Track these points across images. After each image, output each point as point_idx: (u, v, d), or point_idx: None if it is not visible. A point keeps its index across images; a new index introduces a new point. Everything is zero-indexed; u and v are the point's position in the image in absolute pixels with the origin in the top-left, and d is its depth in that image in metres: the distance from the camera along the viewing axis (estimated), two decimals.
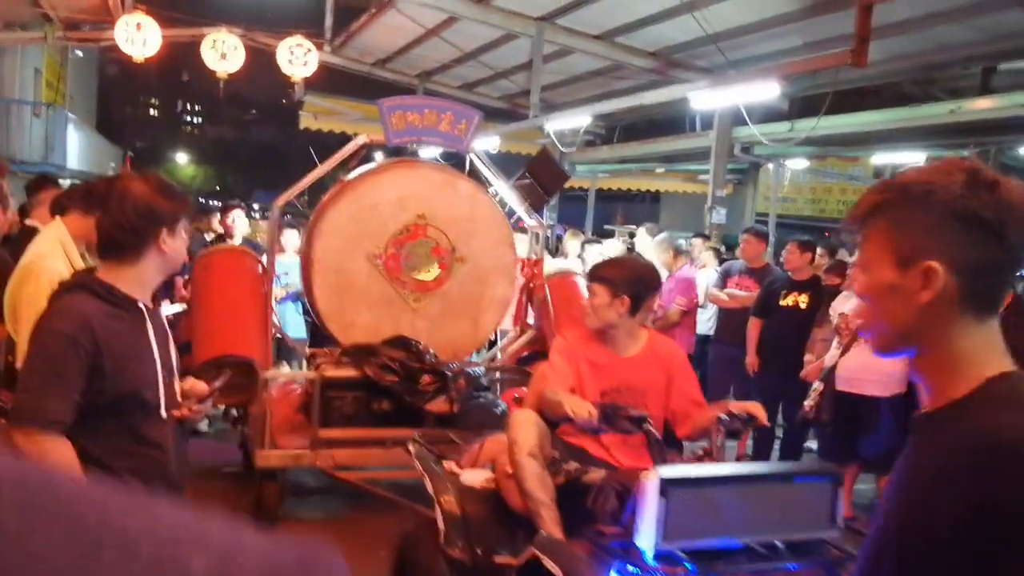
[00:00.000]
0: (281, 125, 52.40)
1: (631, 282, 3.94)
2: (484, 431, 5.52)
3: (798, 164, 15.09)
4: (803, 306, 7.25)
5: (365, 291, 6.30)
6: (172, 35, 12.35)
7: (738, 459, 7.64)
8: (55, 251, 3.82)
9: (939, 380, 1.42)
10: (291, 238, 8.19)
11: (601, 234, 15.98)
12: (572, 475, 3.68)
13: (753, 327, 7.55)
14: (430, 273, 6.40)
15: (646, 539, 2.90)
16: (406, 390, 5.77)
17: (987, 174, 1.37)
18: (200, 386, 3.00)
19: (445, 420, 5.73)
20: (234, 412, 6.78)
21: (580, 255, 9.89)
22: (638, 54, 11.91)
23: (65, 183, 18.99)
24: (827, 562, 3.06)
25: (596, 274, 4.06)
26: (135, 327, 2.69)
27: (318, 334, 7.22)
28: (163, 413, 2.74)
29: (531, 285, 6.86)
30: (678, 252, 8.81)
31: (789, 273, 7.61)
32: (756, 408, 3.71)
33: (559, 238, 10.28)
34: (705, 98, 10.14)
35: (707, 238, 10.75)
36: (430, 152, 8.33)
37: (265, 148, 63.45)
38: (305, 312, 7.87)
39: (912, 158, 13.98)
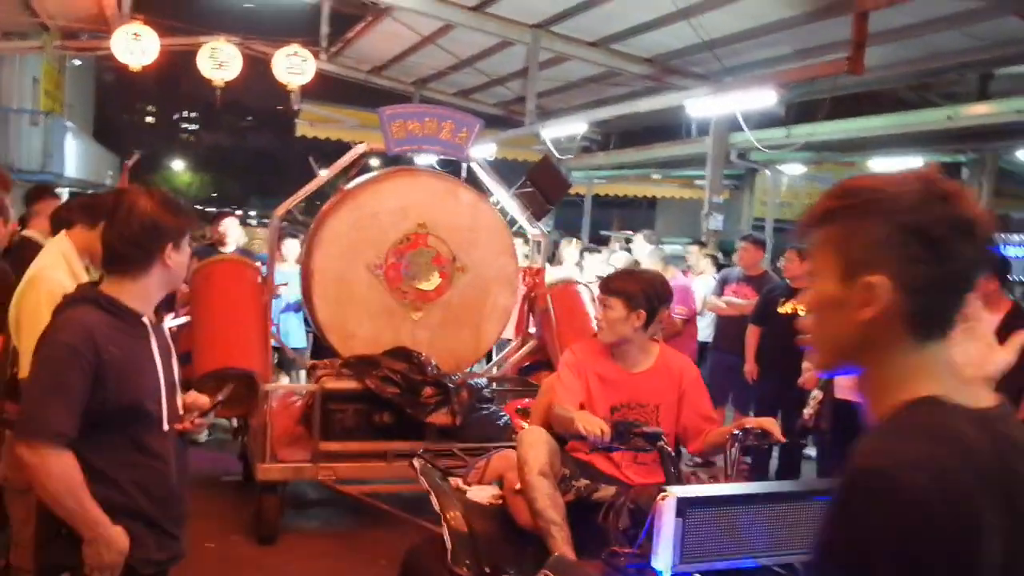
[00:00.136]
0: (278, 132, 52.23)
1: (647, 295, 3.81)
2: (487, 443, 5.45)
3: (795, 170, 14.98)
4: (802, 313, 7.11)
5: (365, 301, 6.16)
6: (169, 44, 12.24)
7: (737, 470, 7.52)
8: (59, 263, 3.78)
9: (874, 402, 1.35)
10: (291, 247, 8.04)
11: (598, 240, 15.86)
12: (582, 492, 3.56)
13: (752, 335, 7.46)
14: (431, 283, 6.26)
15: (663, 561, 2.78)
16: (408, 402, 5.62)
17: (942, 186, 1.28)
18: (202, 399, 2.98)
19: (447, 433, 5.59)
20: (234, 423, 6.63)
21: (578, 263, 9.74)
22: (634, 61, 11.84)
23: (63, 191, 18.94)
24: None
25: (611, 287, 3.91)
26: (138, 340, 2.67)
27: (320, 345, 7.07)
28: (165, 426, 2.72)
29: (532, 294, 6.73)
30: (667, 263, 8.72)
31: (787, 280, 7.50)
32: (771, 424, 3.59)
33: (555, 244, 10.12)
34: (702, 105, 10.05)
35: (703, 245, 10.64)
36: (425, 159, 8.22)
37: (262, 155, 63.26)
38: (306, 322, 7.74)
39: (909, 163, 13.92)
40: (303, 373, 7.71)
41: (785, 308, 7.26)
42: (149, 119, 75.00)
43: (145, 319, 2.71)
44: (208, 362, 5.43)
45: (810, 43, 9.78)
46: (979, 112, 10.00)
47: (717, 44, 10.17)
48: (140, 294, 2.69)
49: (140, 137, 63.72)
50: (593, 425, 3.43)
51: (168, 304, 5.90)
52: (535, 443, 3.57)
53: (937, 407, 1.26)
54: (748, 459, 7.27)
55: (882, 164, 14.81)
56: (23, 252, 4.85)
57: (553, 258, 9.65)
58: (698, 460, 5.25)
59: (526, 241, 8.30)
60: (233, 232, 8.17)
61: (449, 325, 6.31)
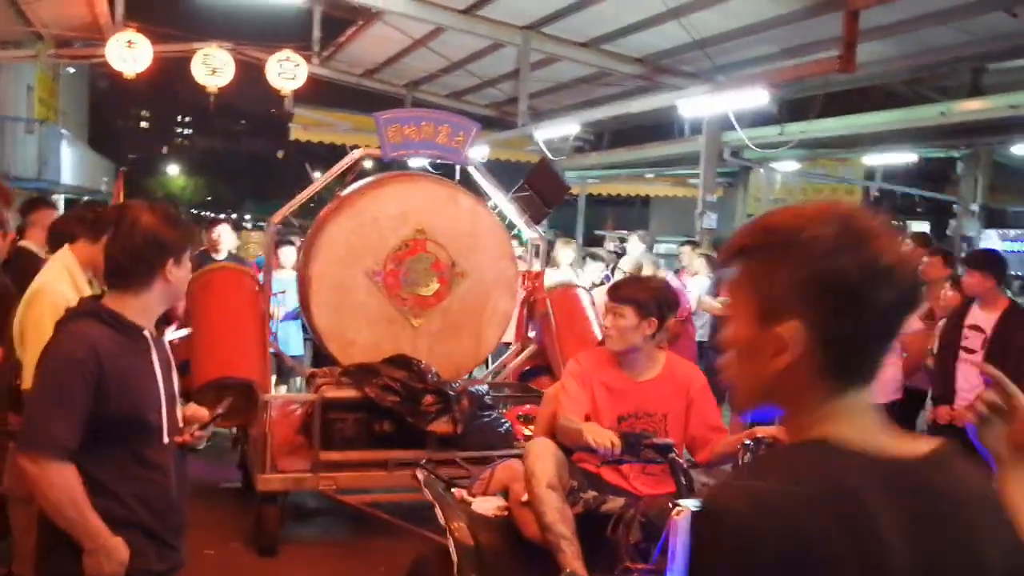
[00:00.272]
0: (271, 136, 51.96)
1: (659, 303, 3.71)
2: (489, 451, 5.33)
3: (788, 167, 14.89)
4: None
5: (364, 308, 6.02)
6: (163, 51, 12.13)
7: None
8: (62, 277, 3.77)
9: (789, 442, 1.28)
10: (287, 254, 7.89)
11: (592, 240, 15.76)
12: (590, 504, 3.45)
13: None
14: (430, 289, 6.13)
15: None
16: (408, 411, 5.48)
17: (860, 226, 1.19)
18: (201, 412, 3.00)
19: (449, 441, 5.46)
20: (233, 431, 6.49)
21: (572, 263, 9.58)
22: (625, 60, 11.73)
23: (59, 198, 18.79)
24: None
25: (622, 295, 3.79)
26: (139, 354, 2.68)
27: (320, 353, 6.93)
28: (165, 438, 2.72)
29: (532, 299, 6.60)
30: (658, 266, 8.62)
31: None
32: (781, 432, 3.47)
33: (550, 245, 9.97)
34: (694, 105, 9.94)
35: (696, 245, 10.53)
36: (418, 161, 8.07)
37: (255, 159, 63.05)
38: (304, 329, 7.61)
39: (903, 158, 13.86)
40: (300, 380, 7.58)
41: None
42: (143, 124, 74.70)
43: (146, 332, 2.71)
44: (207, 372, 5.29)
45: (801, 40, 9.69)
46: (972, 108, 9.93)
47: (708, 43, 10.08)
48: (142, 308, 2.70)
49: (135, 142, 63.56)
50: (603, 437, 3.31)
51: (164, 316, 5.77)
52: (542, 455, 3.46)
53: (823, 449, 1.18)
54: None
55: (876, 159, 14.77)
56: (20, 263, 4.85)
57: (548, 260, 9.50)
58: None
59: (520, 243, 8.19)
60: (226, 239, 8.05)
61: (449, 331, 6.18)
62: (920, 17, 8.54)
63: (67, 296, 3.46)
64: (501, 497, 3.89)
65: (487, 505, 3.88)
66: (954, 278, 6.73)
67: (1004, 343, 5.70)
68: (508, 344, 7.19)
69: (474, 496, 3.99)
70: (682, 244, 10.99)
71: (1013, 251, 12.68)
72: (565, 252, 9.51)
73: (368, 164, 11.36)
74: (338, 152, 16.17)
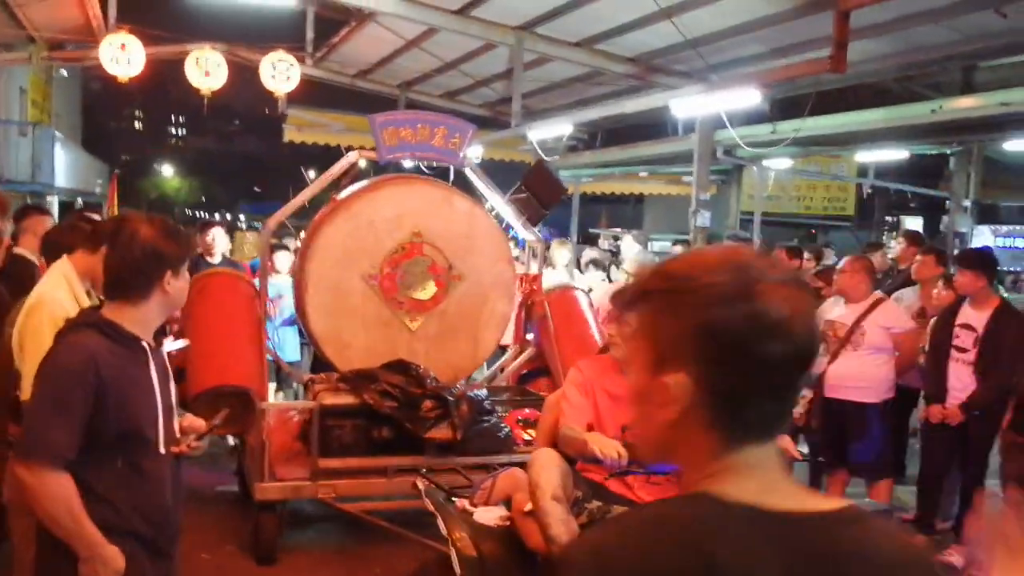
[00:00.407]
0: (265, 136, 51.74)
1: None
2: (489, 457, 5.23)
3: (781, 164, 14.80)
4: None
5: (360, 312, 5.91)
6: (156, 53, 11.98)
7: None
8: (61, 287, 3.74)
9: None
10: (282, 259, 7.76)
11: (586, 238, 15.66)
12: (595, 515, 3.36)
13: None
14: (426, 292, 6.02)
15: None
16: (407, 417, 5.35)
17: (753, 276, 1.13)
18: (198, 423, 3.05)
19: (448, 447, 5.35)
20: (231, 440, 6.37)
21: (567, 264, 9.49)
22: (617, 60, 11.64)
23: (53, 201, 18.62)
24: None
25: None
26: (138, 365, 2.69)
27: (320, 359, 6.80)
28: (162, 449, 2.72)
29: (530, 301, 6.49)
30: None
31: None
32: (786, 442, 3.38)
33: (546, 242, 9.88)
34: (686, 105, 9.86)
35: (688, 244, 10.45)
36: (408, 162, 7.96)
37: (249, 159, 62.79)
38: (301, 334, 7.50)
39: (895, 155, 13.79)
40: (297, 386, 7.47)
41: None
42: (137, 125, 74.30)
43: (144, 344, 2.71)
44: (203, 380, 5.16)
45: (793, 39, 9.61)
46: (964, 105, 9.89)
47: (700, 42, 9.99)
48: (140, 319, 2.70)
49: (128, 144, 63.19)
50: (609, 448, 3.22)
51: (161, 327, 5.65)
52: (547, 466, 3.36)
53: (696, 503, 1.13)
54: None
55: (868, 156, 14.71)
56: (16, 269, 4.87)
57: (544, 260, 9.38)
58: None
59: (516, 243, 8.08)
60: (220, 242, 7.92)
61: (446, 335, 6.07)
62: (911, 16, 8.45)
63: (66, 307, 3.48)
64: (503, 507, 3.80)
65: (489, 515, 3.79)
66: (947, 276, 6.67)
67: (996, 342, 5.66)
68: (505, 347, 7.09)
69: (476, 506, 3.89)
70: (674, 244, 10.93)
71: (1005, 247, 12.64)
72: (561, 253, 9.42)
73: (363, 163, 11.27)
74: (332, 152, 16.07)
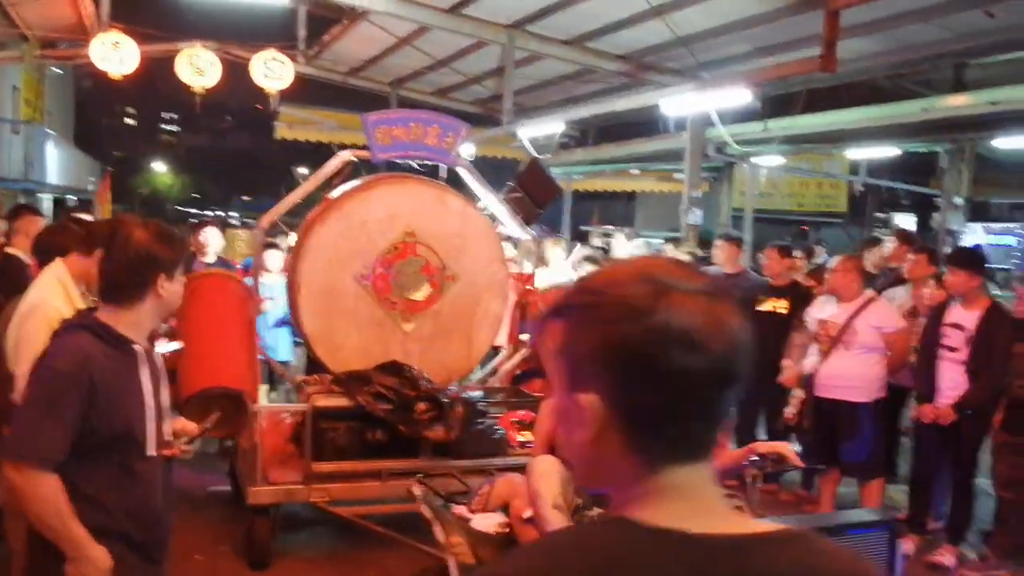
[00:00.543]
0: (257, 132, 51.45)
1: None
2: (484, 459, 5.13)
3: (772, 161, 14.74)
4: (782, 311, 6.98)
5: (353, 313, 5.78)
6: (148, 51, 11.84)
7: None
8: (56, 290, 3.74)
9: None
10: (273, 258, 7.64)
11: (578, 236, 15.57)
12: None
13: None
14: (420, 292, 5.89)
15: None
16: (401, 419, 5.24)
17: (665, 286, 1.04)
18: (190, 426, 3.07)
19: (442, 449, 5.24)
20: (227, 443, 6.25)
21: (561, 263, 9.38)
22: (608, 58, 11.57)
23: (46, 198, 18.43)
24: None
25: None
26: (130, 368, 2.68)
27: (313, 360, 6.68)
28: (152, 451, 2.71)
29: (524, 301, 6.39)
30: None
31: (767, 278, 7.27)
32: (785, 449, 3.29)
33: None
34: (677, 104, 9.80)
35: (678, 242, 10.39)
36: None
37: (241, 156, 62.47)
38: (294, 333, 7.38)
39: (887, 153, 13.73)
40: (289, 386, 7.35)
41: (764, 306, 7.07)
42: (129, 122, 73.85)
43: (137, 347, 2.70)
44: (195, 382, 5.02)
45: (784, 38, 9.57)
46: (954, 104, 9.81)
47: (691, 40, 9.96)
48: (134, 322, 2.70)
49: (120, 141, 62.80)
50: None
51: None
52: (547, 473, 3.27)
53: (618, 528, 1.05)
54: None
55: (860, 153, 14.67)
56: (8, 268, 4.95)
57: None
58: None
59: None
60: (214, 242, 7.81)
61: (440, 335, 5.94)
62: (901, 14, 8.41)
63: (61, 311, 3.48)
64: (501, 513, 3.71)
65: (487, 522, 3.70)
66: (938, 276, 6.63)
67: (988, 342, 5.60)
68: (499, 348, 6.98)
69: (473, 512, 3.80)
70: (665, 242, 10.87)
71: (997, 244, 12.60)
72: (555, 251, 9.32)
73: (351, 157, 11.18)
74: (324, 150, 15.95)
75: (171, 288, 2.73)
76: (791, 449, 3.28)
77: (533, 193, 6.35)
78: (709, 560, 1.01)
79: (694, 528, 1.03)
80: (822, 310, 6.28)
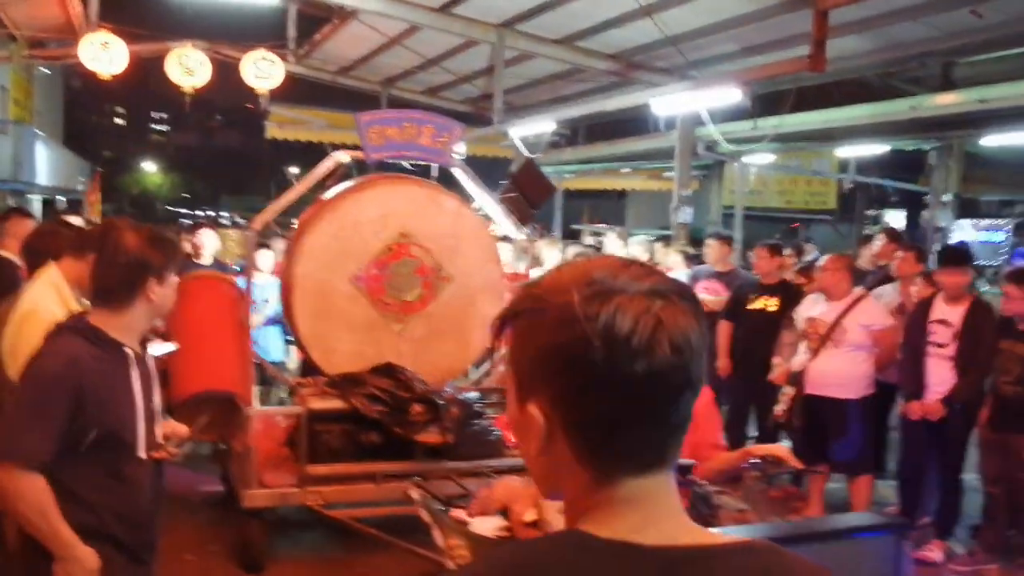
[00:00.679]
0: (247, 131, 51.21)
1: None
2: (480, 461, 5.07)
3: (762, 159, 14.75)
4: (772, 309, 6.96)
5: (347, 314, 5.69)
6: (137, 51, 11.73)
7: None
8: (51, 295, 3.65)
9: None
10: (265, 258, 7.57)
11: (569, 234, 15.52)
12: None
13: (724, 330, 7.22)
14: (414, 293, 5.80)
15: None
16: (396, 421, 5.16)
17: (609, 288, 0.99)
18: (181, 429, 3.05)
19: (438, 451, 5.18)
20: (221, 446, 6.17)
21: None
22: (598, 57, 11.55)
23: (35, 199, 18.23)
24: None
25: None
26: (120, 371, 2.68)
27: (308, 364, 6.60)
28: (142, 454, 2.70)
29: None
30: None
31: (757, 276, 7.26)
32: (782, 450, 3.24)
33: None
34: (667, 103, 9.78)
35: (668, 241, 10.38)
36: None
37: (231, 154, 62.15)
38: (285, 331, 7.30)
39: (876, 150, 13.73)
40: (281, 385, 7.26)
41: (755, 304, 7.06)
42: (119, 122, 73.41)
43: (128, 350, 2.71)
44: (187, 385, 4.95)
45: (773, 36, 9.59)
46: (942, 102, 9.86)
47: (680, 39, 9.95)
48: (125, 326, 2.70)
49: (110, 140, 62.40)
50: None
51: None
52: None
53: (569, 540, 1.01)
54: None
55: (848, 151, 14.70)
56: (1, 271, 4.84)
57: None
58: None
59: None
60: (209, 243, 7.73)
61: (434, 337, 5.85)
62: (889, 13, 8.43)
63: (57, 315, 3.36)
64: (500, 516, 3.64)
65: (486, 525, 3.62)
66: (926, 273, 6.66)
67: (974, 337, 5.63)
68: (493, 348, 6.90)
69: (472, 516, 3.73)
70: (654, 241, 10.88)
71: (985, 241, 12.62)
72: (550, 252, 9.28)
73: (345, 159, 11.11)
74: (315, 149, 15.85)
75: (162, 292, 2.72)
76: (787, 451, 3.22)
77: (528, 193, 6.28)
78: (663, 572, 0.97)
79: (648, 540, 0.98)
80: (812, 308, 6.30)
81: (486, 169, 9.90)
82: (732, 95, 8.73)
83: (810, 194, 19.25)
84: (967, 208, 15.10)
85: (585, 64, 11.75)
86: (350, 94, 15.66)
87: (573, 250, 10.61)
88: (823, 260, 6.66)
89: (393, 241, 5.74)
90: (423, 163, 6.11)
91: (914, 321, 6.00)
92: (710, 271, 8.11)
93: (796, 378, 6.15)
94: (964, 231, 12.96)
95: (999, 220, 13.95)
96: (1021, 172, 14.85)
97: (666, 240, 11.78)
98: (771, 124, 10.98)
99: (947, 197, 12.95)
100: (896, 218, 20.12)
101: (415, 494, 3.91)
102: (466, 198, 6.44)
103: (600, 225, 16.16)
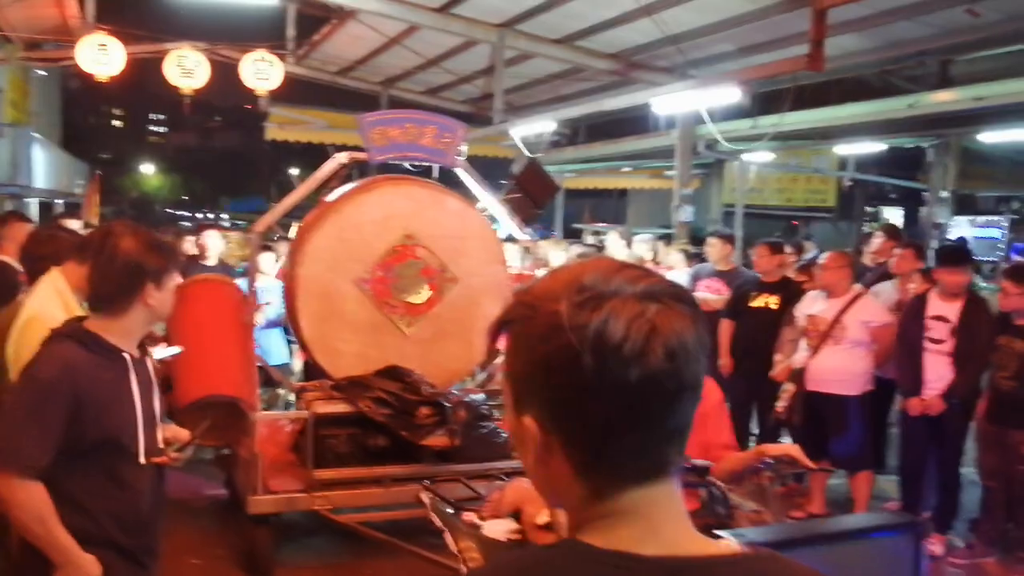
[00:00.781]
0: (246, 131, 51.06)
1: None
2: (489, 464, 5.00)
3: (762, 158, 14.74)
4: (773, 307, 6.94)
5: (352, 317, 5.59)
6: (135, 52, 11.67)
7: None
8: (54, 300, 3.62)
9: None
10: (266, 261, 7.51)
11: (570, 234, 15.47)
12: None
13: (725, 329, 7.19)
14: (420, 295, 5.72)
15: None
16: (403, 425, 5.09)
17: (596, 295, 0.94)
18: (182, 433, 3.02)
19: (445, 454, 5.11)
20: (223, 451, 6.09)
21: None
22: (598, 56, 11.55)
23: (33, 202, 18.11)
24: None
25: None
26: (118, 377, 2.65)
27: (312, 368, 6.52)
28: (142, 459, 2.67)
29: None
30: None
31: (758, 275, 7.25)
32: (796, 451, 3.17)
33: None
34: (667, 103, 9.77)
35: (668, 240, 10.36)
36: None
37: (231, 155, 61.97)
38: (286, 331, 7.24)
39: (874, 148, 13.71)
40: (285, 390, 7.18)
41: (756, 302, 7.04)
42: (117, 123, 73.21)
43: (126, 355, 2.68)
44: (191, 391, 4.85)
45: (772, 35, 9.61)
46: (940, 100, 9.86)
47: (680, 39, 9.96)
48: (123, 331, 2.67)
49: (108, 142, 62.22)
50: None
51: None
52: None
53: (568, 551, 0.98)
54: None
55: (847, 149, 14.71)
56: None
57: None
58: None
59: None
60: (214, 245, 7.68)
61: (440, 339, 5.75)
62: (887, 12, 8.44)
63: (60, 321, 3.29)
64: (512, 519, 3.59)
65: (499, 528, 3.57)
66: (924, 271, 6.67)
67: (971, 332, 5.65)
68: (499, 350, 6.84)
69: (484, 519, 3.68)
70: (655, 240, 10.87)
71: (981, 237, 12.61)
72: (556, 253, 9.23)
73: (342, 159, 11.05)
74: (314, 149, 15.78)
75: (160, 296, 2.69)
76: (799, 451, 3.16)
77: (532, 193, 6.22)
78: None
79: (649, 550, 0.95)
80: (812, 306, 6.31)
81: (486, 169, 9.86)
82: (732, 94, 8.70)
83: (809, 192, 19.22)
84: (964, 204, 15.13)
85: (585, 64, 11.75)
86: (350, 95, 15.62)
87: (576, 249, 10.56)
88: (824, 258, 6.66)
89: (398, 242, 5.65)
90: (425, 164, 6.03)
91: (909, 317, 6.02)
92: (712, 270, 8.08)
93: (797, 375, 6.16)
94: (961, 227, 12.96)
95: (996, 216, 13.93)
96: (1018, 168, 14.89)
97: (667, 239, 11.75)
98: (770, 122, 10.97)
99: (945, 194, 12.97)
100: (894, 215, 20.11)
101: (425, 498, 3.85)
102: (469, 198, 6.38)
103: (601, 224, 16.10)
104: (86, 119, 56.67)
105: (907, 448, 6.16)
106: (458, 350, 5.82)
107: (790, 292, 6.91)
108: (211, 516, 6.09)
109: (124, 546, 2.63)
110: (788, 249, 8.56)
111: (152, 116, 74.83)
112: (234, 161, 60.16)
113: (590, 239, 14.04)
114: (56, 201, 20.81)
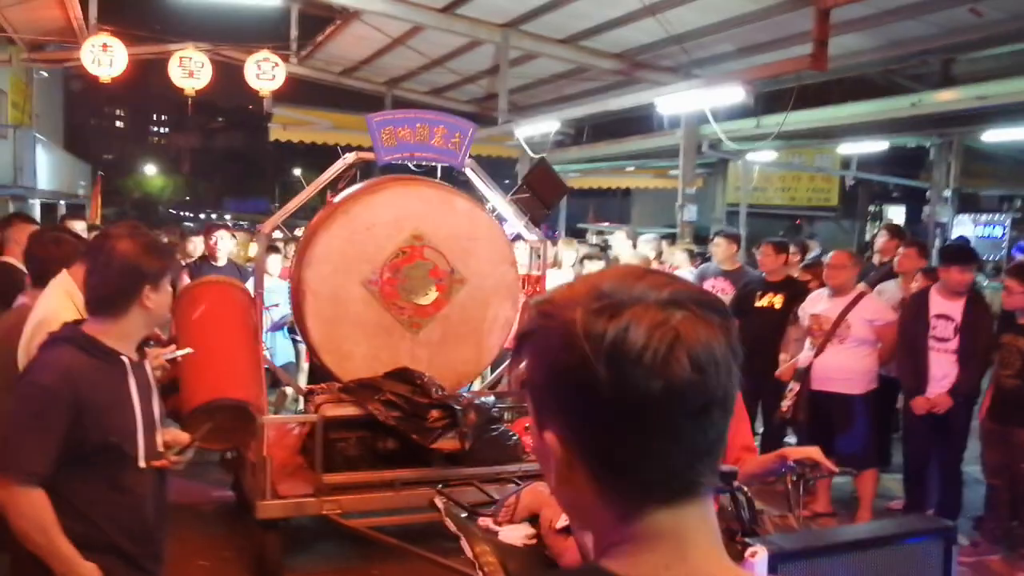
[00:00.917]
0: (249, 132, 50.98)
1: None
2: (500, 467, 4.92)
3: (765, 157, 14.69)
4: (778, 306, 6.90)
5: (361, 319, 5.49)
6: (138, 53, 11.59)
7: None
8: (64, 303, 3.55)
9: None
10: (273, 262, 7.43)
11: (574, 233, 15.41)
12: None
13: None
14: (428, 297, 5.63)
15: None
16: (413, 427, 4.98)
17: (617, 304, 0.87)
18: (182, 437, 2.98)
19: (456, 457, 5.03)
20: (228, 455, 6.00)
21: (573, 265, 9.14)
22: (603, 56, 11.49)
23: (35, 204, 18.06)
24: None
25: None
26: (117, 380, 2.61)
27: (318, 370, 6.44)
28: (142, 463, 2.64)
29: None
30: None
31: (763, 274, 7.20)
32: (818, 454, 3.09)
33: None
34: (671, 102, 9.72)
35: (673, 239, 10.29)
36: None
37: (234, 156, 61.85)
38: (291, 330, 7.16)
39: (877, 147, 13.67)
40: (291, 391, 7.12)
41: (762, 302, 7.02)
42: (119, 124, 73.13)
43: (124, 358, 2.64)
44: (197, 394, 4.74)
45: (776, 35, 9.57)
46: (942, 99, 9.81)
47: (684, 38, 9.91)
48: (121, 334, 2.64)
49: (111, 143, 62.17)
50: None
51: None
52: None
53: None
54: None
55: (850, 148, 14.68)
56: (4, 276, 4.77)
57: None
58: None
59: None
60: (224, 245, 7.61)
61: (449, 340, 5.65)
62: (890, 11, 8.39)
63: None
64: (528, 524, 3.51)
65: (515, 533, 3.49)
66: (927, 269, 6.64)
67: (973, 330, 5.67)
68: (509, 351, 6.77)
69: (500, 524, 3.59)
70: (660, 239, 10.81)
71: (984, 235, 12.58)
72: (568, 253, 9.10)
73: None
74: (318, 149, 15.68)
75: (157, 299, 2.66)
76: (820, 453, 3.09)
77: (541, 193, 6.13)
78: None
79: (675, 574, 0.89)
80: (816, 305, 6.29)
81: (490, 169, 9.80)
82: (736, 94, 8.66)
83: (813, 191, 19.19)
84: (967, 203, 15.13)
85: (589, 63, 11.69)
86: (354, 95, 15.54)
87: (583, 249, 10.48)
88: (828, 256, 6.62)
89: (407, 244, 5.56)
90: (431, 164, 5.95)
91: (911, 315, 6.00)
92: (717, 269, 8.03)
93: (801, 374, 6.15)
94: (964, 226, 12.93)
95: (998, 215, 13.91)
96: (1020, 167, 14.90)
97: (671, 238, 11.69)
98: (774, 122, 10.92)
99: (947, 192, 12.94)
100: (897, 213, 20.10)
101: (440, 503, 3.77)
102: (478, 199, 6.29)
103: (605, 224, 16.04)
104: (89, 120, 56.60)
105: (911, 447, 6.17)
106: (467, 352, 5.74)
107: (794, 291, 6.88)
108: (218, 519, 6.03)
109: (127, 551, 2.60)
110: (792, 248, 8.51)
111: (155, 117, 74.74)
112: (237, 162, 60.07)
113: (594, 239, 13.95)
114: (59, 202, 20.72)
